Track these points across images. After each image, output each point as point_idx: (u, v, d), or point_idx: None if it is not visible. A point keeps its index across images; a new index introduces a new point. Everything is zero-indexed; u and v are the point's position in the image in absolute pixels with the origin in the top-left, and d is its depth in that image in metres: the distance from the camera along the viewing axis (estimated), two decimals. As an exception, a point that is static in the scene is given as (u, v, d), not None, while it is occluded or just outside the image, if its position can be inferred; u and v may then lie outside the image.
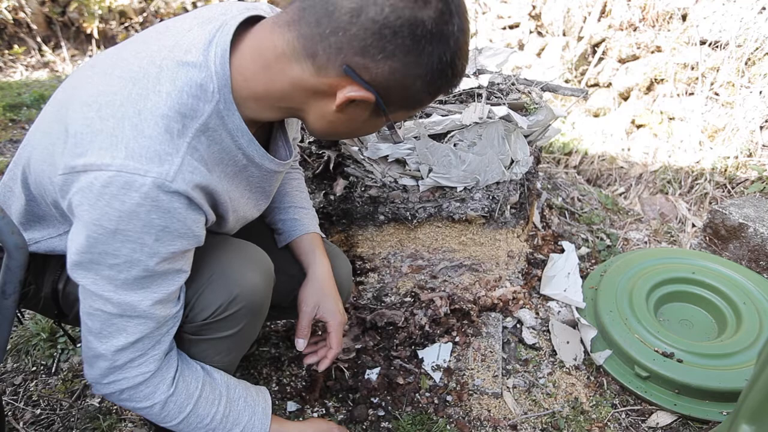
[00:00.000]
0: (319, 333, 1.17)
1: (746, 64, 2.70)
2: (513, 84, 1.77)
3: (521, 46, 4.20)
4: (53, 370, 1.54)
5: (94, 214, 0.69)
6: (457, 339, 1.63)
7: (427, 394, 1.48)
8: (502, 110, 1.53)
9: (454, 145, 1.53)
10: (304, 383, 1.52)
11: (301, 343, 1.11)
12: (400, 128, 0.87)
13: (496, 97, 1.66)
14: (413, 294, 1.71)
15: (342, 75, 0.72)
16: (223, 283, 0.89)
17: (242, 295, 0.91)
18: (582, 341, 1.66)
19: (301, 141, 1.64)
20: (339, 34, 0.68)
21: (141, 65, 0.73)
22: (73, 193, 0.70)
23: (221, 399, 0.93)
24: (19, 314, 1.12)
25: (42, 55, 5.02)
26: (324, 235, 1.23)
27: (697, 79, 2.91)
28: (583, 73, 3.63)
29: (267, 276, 0.98)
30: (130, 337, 0.79)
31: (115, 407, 1.43)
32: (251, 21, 0.79)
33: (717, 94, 2.82)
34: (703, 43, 2.90)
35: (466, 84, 1.68)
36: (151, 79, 0.71)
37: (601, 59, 3.54)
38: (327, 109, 0.77)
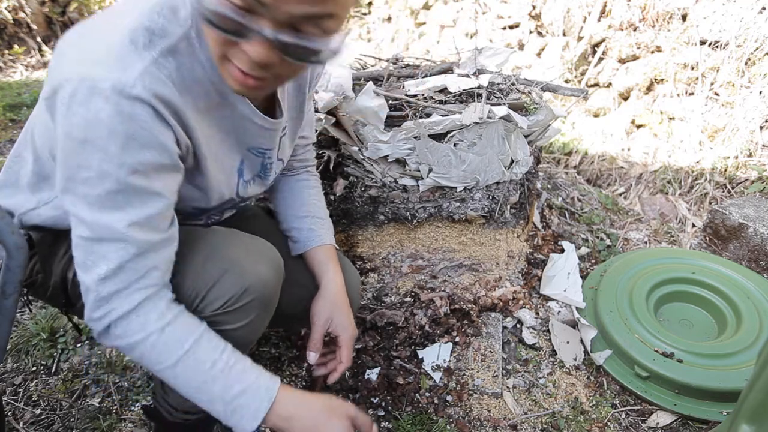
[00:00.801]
0: (328, 343, 1.16)
1: (746, 64, 2.70)
2: (513, 84, 1.78)
3: (521, 46, 4.20)
4: (53, 370, 1.54)
5: (66, 127, 0.70)
6: (457, 339, 1.63)
7: (427, 394, 1.48)
8: (502, 110, 1.53)
9: (454, 145, 1.53)
10: (304, 383, 1.52)
11: (312, 357, 1.10)
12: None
13: (496, 97, 1.66)
14: (413, 294, 1.71)
15: None
16: (235, 274, 0.88)
17: (253, 287, 0.90)
18: (582, 341, 1.66)
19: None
20: None
21: (126, 3, 0.76)
22: (53, 114, 0.72)
23: (225, 348, 0.85)
24: (26, 300, 1.12)
25: (42, 55, 5.02)
26: (338, 248, 1.22)
27: (697, 79, 2.91)
28: (583, 73, 3.63)
29: (277, 270, 0.96)
30: (111, 263, 0.76)
31: (115, 407, 1.43)
32: None
33: (717, 94, 2.82)
34: (703, 43, 2.90)
35: (466, 84, 1.68)
36: (129, 7, 0.74)
37: (601, 59, 3.55)
38: None
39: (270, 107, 0.96)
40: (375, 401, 1.46)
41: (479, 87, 1.66)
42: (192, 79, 0.77)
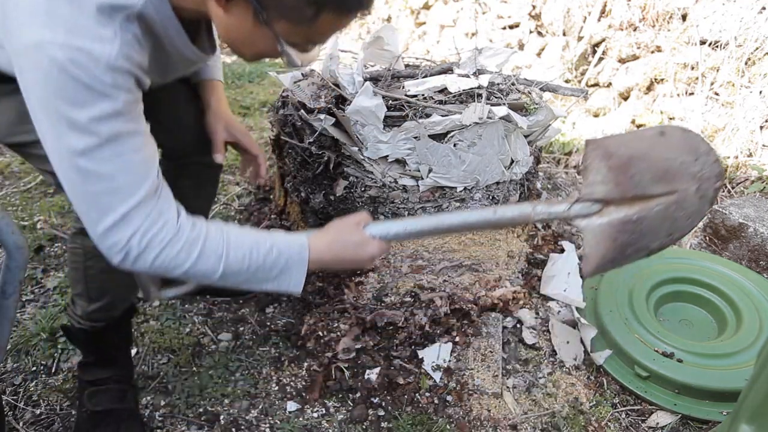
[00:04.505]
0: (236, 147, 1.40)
1: (746, 64, 2.70)
2: (513, 84, 1.77)
3: (521, 46, 4.19)
4: (53, 370, 1.54)
5: (38, 92, 0.76)
6: (457, 339, 1.63)
7: (427, 394, 1.48)
8: (502, 110, 1.53)
9: (454, 145, 1.53)
10: (304, 383, 1.52)
11: (219, 157, 1.31)
12: (308, 51, 0.89)
13: (496, 97, 1.66)
14: (413, 294, 1.71)
15: None
16: None
17: None
18: (582, 341, 1.66)
19: (301, 141, 1.64)
20: None
21: None
22: (19, 72, 0.77)
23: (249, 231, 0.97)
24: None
25: None
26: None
27: (697, 79, 2.90)
28: (583, 73, 3.63)
29: None
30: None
31: (115, 407, 1.43)
32: None
33: (717, 94, 2.82)
34: (703, 43, 2.90)
35: (466, 84, 1.68)
36: None
37: (601, 59, 3.54)
38: (218, 11, 0.81)
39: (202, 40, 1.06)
40: (375, 401, 1.46)
41: (479, 87, 1.66)
42: (152, 34, 0.85)
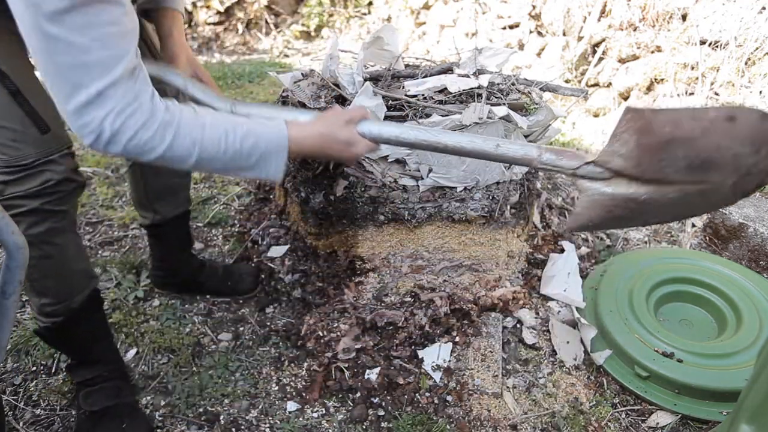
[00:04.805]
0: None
1: (746, 64, 2.70)
2: (513, 84, 1.77)
3: (521, 46, 4.19)
4: (53, 370, 1.54)
5: None
6: (457, 339, 1.63)
7: (427, 394, 1.48)
8: (502, 110, 1.53)
9: (454, 145, 1.53)
10: (304, 383, 1.52)
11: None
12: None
13: (496, 97, 1.65)
14: (413, 294, 1.71)
15: None
16: None
17: None
18: (582, 341, 1.66)
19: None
20: None
21: None
22: None
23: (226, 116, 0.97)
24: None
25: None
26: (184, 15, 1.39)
27: (697, 79, 2.91)
28: (583, 73, 3.63)
29: None
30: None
31: (115, 407, 1.43)
32: None
33: (717, 94, 2.82)
34: (703, 43, 2.90)
35: (466, 84, 1.68)
36: None
37: (601, 59, 3.54)
38: None
39: None
40: (375, 401, 1.46)
41: (479, 87, 1.66)
42: None
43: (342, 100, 1.61)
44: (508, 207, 1.71)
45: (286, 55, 5.54)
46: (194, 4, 5.89)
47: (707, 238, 2.10)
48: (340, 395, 1.48)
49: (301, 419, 1.41)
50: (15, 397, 1.45)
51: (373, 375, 1.51)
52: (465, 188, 1.61)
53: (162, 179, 1.56)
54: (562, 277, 1.87)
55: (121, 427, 1.30)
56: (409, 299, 1.70)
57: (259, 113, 1.13)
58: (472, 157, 1.10)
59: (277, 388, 1.51)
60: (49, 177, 1.08)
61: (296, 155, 1.00)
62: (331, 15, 6.02)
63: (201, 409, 1.44)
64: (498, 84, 1.74)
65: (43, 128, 1.05)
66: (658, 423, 1.43)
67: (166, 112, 0.86)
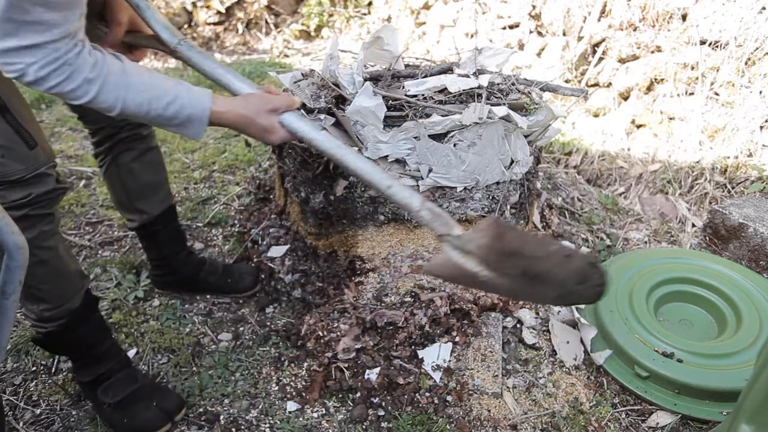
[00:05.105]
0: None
1: (746, 64, 2.70)
2: (513, 84, 1.77)
3: (521, 46, 4.19)
4: (53, 370, 1.54)
5: None
6: (457, 339, 1.63)
7: (427, 394, 1.48)
8: (502, 110, 1.53)
9: (454, 145, 1.53)
10: (304, 383, 1.52)
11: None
12: None
13: (496, 97, 1.65)
14: (413, 294, 1.71)
15: None
16: None
17: None
18: (582, 341, 1.66)
19: (301, 141, 1.64)
20: None
21: None
22: None
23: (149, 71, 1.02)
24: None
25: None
26: None
27: (697, 79, 2.91)
28: (583, 73, 3.63)
29: None
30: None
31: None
32: None
33: (717, 94, 2.82)
34: (703, 43, 2.90)
35: (466, 84, 1.68)
36: None
37: (601, 59, 3.54)
38: None
39: None
40: (375, 401, 1.46)
41: (479, 87, 1.66)
42: None
43: (342, 100, 1.61)
44: (508, 207, 1.71)
45: (286, 55, 5.54)
46: (194, 4, 5.88)
47: (707, 238, 2.10)
48: (340, 395, 1.48)
49: (301, 419, 1.42)
50: (15, 397, 1.45)
51: (373, 375, 1.51)
52: (465, 188, 1.61)
53: (139, 179, 1.57)
54: (562, 277, 1.87)
55: (152, 405, 1.33)
56: (409, 299, 1.70)
57: (201, 64, 1.18)
58: (368, 186, 1.29)
59: (277, 388, 1.51)
60: (38, 189, 1.12)
61: (216, 125, 1.10)
62: (331, 15, 6.02)
63: (201, 409, 1.44)
64: (498, 84, 1.74)
65: (30, 144, 1.09)
66: (658, 423, 1.43)
67: (92, 69, 0.92)
